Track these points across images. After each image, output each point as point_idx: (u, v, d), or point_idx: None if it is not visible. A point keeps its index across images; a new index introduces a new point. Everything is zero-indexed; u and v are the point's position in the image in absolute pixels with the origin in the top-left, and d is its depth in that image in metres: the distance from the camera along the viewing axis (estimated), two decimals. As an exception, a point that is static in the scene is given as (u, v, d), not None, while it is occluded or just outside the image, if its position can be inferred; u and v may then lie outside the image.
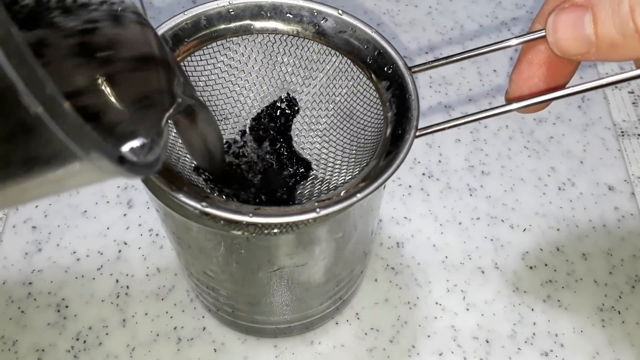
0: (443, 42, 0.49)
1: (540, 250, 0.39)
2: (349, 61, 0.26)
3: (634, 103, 0.46)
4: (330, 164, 0.28)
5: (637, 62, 0.22)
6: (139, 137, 0.16)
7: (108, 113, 0.16)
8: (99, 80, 0.16)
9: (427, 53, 0.48)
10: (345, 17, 0.25)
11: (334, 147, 0.28)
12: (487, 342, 0.35)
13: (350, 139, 0.27)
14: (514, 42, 0.23)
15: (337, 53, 0.26)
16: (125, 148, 0.15)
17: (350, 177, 0.25)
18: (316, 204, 0.21)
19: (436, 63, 0.24)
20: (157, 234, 0.39)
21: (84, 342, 0.35)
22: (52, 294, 0.36)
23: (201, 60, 0.26)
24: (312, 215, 0.20)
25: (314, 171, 0.28)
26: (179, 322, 0.36)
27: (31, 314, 0.36)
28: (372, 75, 0.25)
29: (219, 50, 0.26)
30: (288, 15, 0.25)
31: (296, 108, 0.28)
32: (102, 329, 0.35)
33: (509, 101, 0.22)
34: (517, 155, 0.43)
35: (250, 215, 0.20)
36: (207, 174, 0.26)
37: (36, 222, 0.39)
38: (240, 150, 0.28)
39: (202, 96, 0.27)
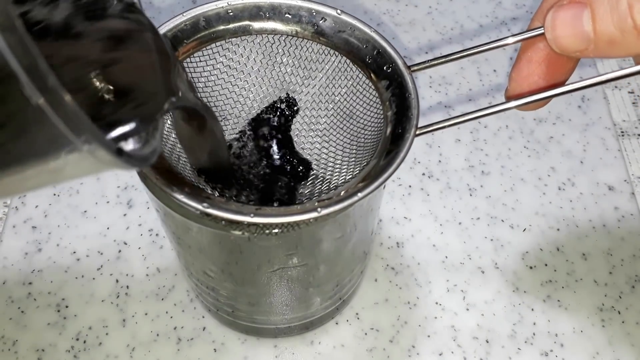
0: (443, 42, 0.49)
1: (540, 250, 0.39)
2: (348, 61, 0.26)
3: (634, 103, 0.46)
4: (330, 164, 0.28)
5: (637, 59, 0.22)
6: (137, 130, 0.16)
7: (106, 105, 0.16)
8: (98, 73, 0.16)
9: (427, 53, 0.48)
10: (344, 17, 0.25)
11: (334, 147, 0.28)
12: (487, 342, 0.35)
13: (350, 139, 0.27)
14: (512, 40, 0.23)
15: (337, 53, 0.26)
16: (123, 140, 0.16)
17: (350, 176, 0.25)
18: (317, 203, 0.21)
19: (435, 62, 0.24)
20: (157, 234, 0.39)
21: (84, 342, 0.35)
22: (52, 294, 0.37)
23: (200, 61, 0.26)
24: (313, 214, 0.20)
25: (314, 171, 0.28)
26: (179, 322, 0.36)
27: (31, 314, 0.36)
28: (372, 75, 0.25)
29: (218, 51, 0.26)
30: (287, 15, 0.25)
31: (296, 108, 0.28)
32: (102, 329, 0.35)
33: (509, 99, 0.22)
34: (517, 155, 0.43)
35: (252, 215, 0.20)
36: (208, 175, 0.25)
37: (36, 222, 0.39)
38: (241, 151, 0.28)
39: (201, 97, 0.27)
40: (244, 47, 0.26)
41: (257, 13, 0.25)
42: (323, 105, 0.28)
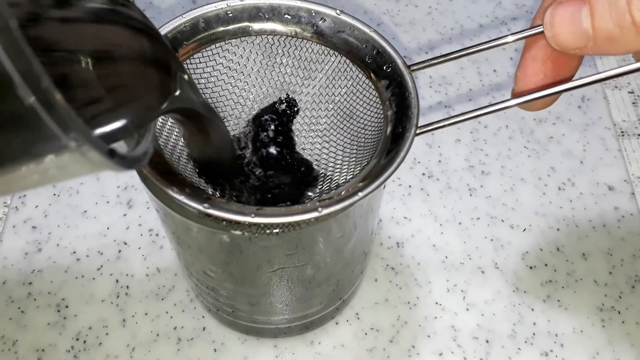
0: (443, 42, 0.49)
1: (540, 250, 0.39)
2: (347, 61, 0.26)
3: (634, 103, 0.46)
4: (331, 164, 0.28)
5: (637, 56, 0.22)
6: (130, 131, 0.16)
7: (100, 105, 0.16)
8: (92, 73, 0.16)
9: (427, 53, 0.48)
10: (343, 17, 0.25)
11: (334, 147, 0.28)
12: (487, 342, 0.35)
13: (350, 139, 0.27)
14: (511, 38, 0.23)
15: (336, 53, 0.26)
16: (115, 141, 0.16)
17: (351, 176, 0.25)
18: (317, 203, 0.21)
19: (435, 61, 0.24)
20: (157, 234, 0.39)
21: (84, 342, 0.35)
22: (52, 294, 0.37)
23: (200, 62, 0.26)
24: (314, 214, 0.20)
25: (320, 171, 0.28)
26: (179, 322, 0.36)
27: (31, 314, 0.36)
28: (372, 75, 0.25)
29: (217, 53, 0.26)
30: (286, 16, 0.25)
31: (296, 109, 0.28)
32: (102, 329, 0.35)
33: (518, 94, 0.22)
34: (517, 155, 0.43)
35: (253, 215, 0.20)
36: (214, 176, 0.25)
37: (36, 222, 0.39)
38: (242, 152, 0.28)
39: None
40: (243, 48, 0.26)
41: (256, 14, 0.25)
42: (323, 105, 0.28)
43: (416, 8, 0.51)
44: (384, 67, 0.24)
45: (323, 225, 0.24)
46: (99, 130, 0.15)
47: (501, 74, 0.47)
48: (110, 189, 0.41)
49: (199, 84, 0.26)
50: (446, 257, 0.38)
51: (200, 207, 0.20)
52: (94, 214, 0.40)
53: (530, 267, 0.38)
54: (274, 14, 0.25)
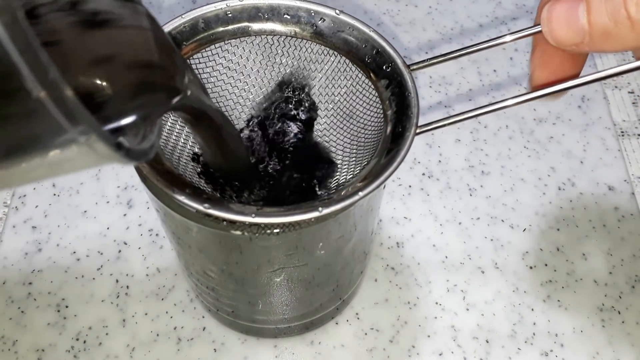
0: (443, 41, 0.49)
1: (540, 250, 0.39)
2: (347, 61, 0.26)
3: (634, 103, 0.46)
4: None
5: (637, 53, 0.22)
6: (138, 125, 0.16)
7: (107, 99, 0.16)
8: (99, 67, 0.16)
9: (427, 53, 0.48)
10: (342, 17, 0.25)
11: (335, 147, 0.28)
12: (487, 342, 0.35)
13: (350, 138, 0.27)
14: (510, 38, 0.23)
15: (336, 53, 0.26)
16: (123, 134, 0.16)
17: (351, 175, 0.25)
18: (317, 203, 0.21)
19: (434, 60, 0.24)
20: (157, 234, 0.39)
21: (84, 342, 0.35)
22: (52, 294, 0.37)
23: (200, 63, 0.26)
24: (315, 214, 0.20)
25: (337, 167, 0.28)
26: (179, 322, 0.36)
27: (31, 314, 0.36)
28: (371, 74, 0.25)
29: (217, 53, 0.26)
30: (286, 16, 0.25)
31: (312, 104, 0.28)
32: (102, 329, 0.35)
33: (534, 89, 0.22)
34: (517, 155, 0.43)
35: (253, 215, 0.20)
36: (217, 174, 0.25)
37: (36, 222, 0.39)
38: (255, 150, 0.28)
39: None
40: (243, 48, 0.26)
41: (255, 14, 0.25)
42: (323, 105, 0.28)
43: (416, 8, 0.51)
44: (384, 67, 0.24)
45: (323, 225, 0.24)
46: (106, 123, 0.15)
47: (501, 73, 0.47)
48: (110, 189, 0.41)
49: (199, 84, 0.26)
50: (446, 257, 0.38)
51: (200, 207, 0.20)
52: (94, 214, 0.40)
53: (530, 267, 0.38)
54: (274, 14, 0.25)
